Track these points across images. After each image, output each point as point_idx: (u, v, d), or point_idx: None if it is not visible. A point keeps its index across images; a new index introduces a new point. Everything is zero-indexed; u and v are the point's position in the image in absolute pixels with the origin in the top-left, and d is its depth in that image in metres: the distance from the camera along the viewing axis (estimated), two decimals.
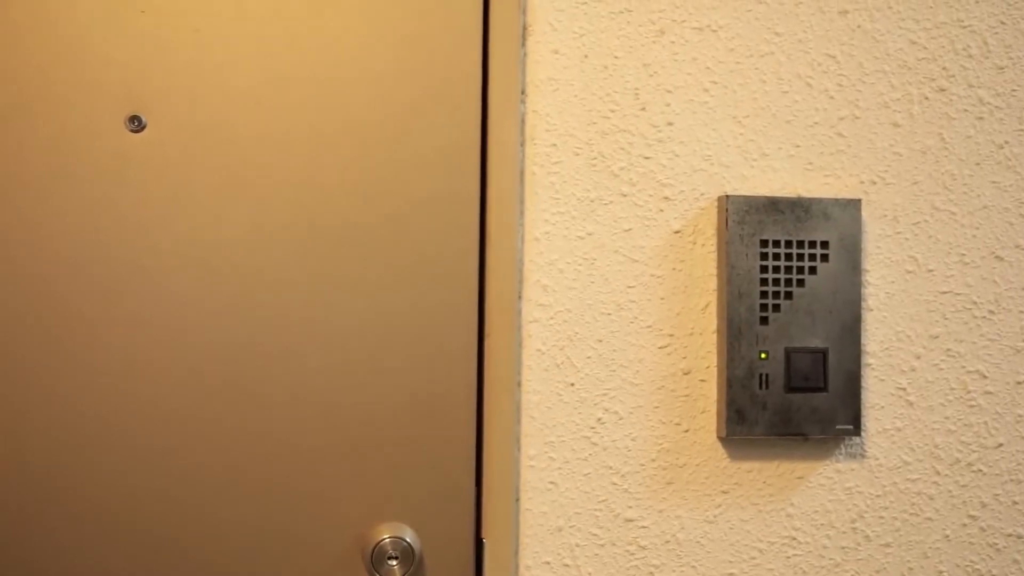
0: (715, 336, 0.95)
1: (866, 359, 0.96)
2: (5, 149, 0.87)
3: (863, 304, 0.96)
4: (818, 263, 0.94)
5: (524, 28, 0.93)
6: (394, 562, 0.90)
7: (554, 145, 0.93)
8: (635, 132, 0.94)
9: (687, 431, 0.94)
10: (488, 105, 0.92)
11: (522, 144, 0.93)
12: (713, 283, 0.95)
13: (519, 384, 0.92)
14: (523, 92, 0.93)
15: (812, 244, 0.94)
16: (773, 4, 0.96)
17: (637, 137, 0.94)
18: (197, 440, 0.89)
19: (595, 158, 0.93)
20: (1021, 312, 0.98)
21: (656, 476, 0.93)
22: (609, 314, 0.94)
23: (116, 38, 0.88)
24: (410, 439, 0.91)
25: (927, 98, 0.98)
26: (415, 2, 0.92)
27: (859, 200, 0.95)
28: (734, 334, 0.93)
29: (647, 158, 0.94)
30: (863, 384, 0.96)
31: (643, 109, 0.94)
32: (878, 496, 0.96)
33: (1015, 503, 0.98)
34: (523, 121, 0.93)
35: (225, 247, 0.89)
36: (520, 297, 0.92)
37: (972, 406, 0.97)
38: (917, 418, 0.97)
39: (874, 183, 0.97)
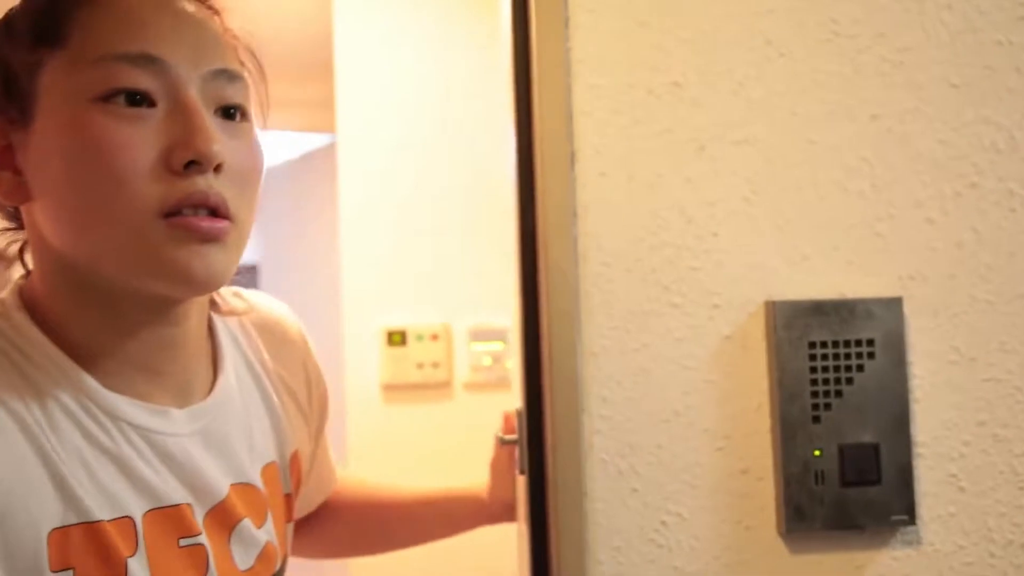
0: (769, 435, 0.99)
1: (916, 449, 1.00)
2: None
3: (910, 396, 1.00)
4: (865, 360, 0.98)
5: (572, 154, 0.98)
6: None
7: (606, 264, 0.98)
8: (682, 245, 0.99)
9: (748, 528, 0.98)
10: (542, 228, 0.97)
11: (575, 265, 0.97)
12: (764, 384, 0.99)
13: (585, 493, 0.96)
14: (574, 215, 0.98)
15: (858, 343, 0.98)
16: (805, 115, 1.00)
17: (684, 249, 0.99)
18: None
19: (645, 273, 0.98)
20: None
21: (720, 573, 0.97)
22: (667, 420, 0.98)
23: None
24: None
25: (959, 194, 1.02)
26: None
27: (900, 298, 0.99)
28: (788, 434, 0.97)
29: (695, 269, 0.99)
30: (915, 473, 0.99)
31: (689, 223, 0.99)
32: None
33: None
34: (575, 243, 0.97)
35: None
36: (582, 410, 0.97)
37: (1022, 488, 1.01)
38: (969, 503, 1.00)
39: (913, 278, 1.01)
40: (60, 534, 0.74)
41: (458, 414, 2.27)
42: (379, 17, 2.34)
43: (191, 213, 0.76)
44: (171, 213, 0.76)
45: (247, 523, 0.88)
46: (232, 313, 0.97)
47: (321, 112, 3.46)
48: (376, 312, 2.25)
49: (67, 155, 0.75)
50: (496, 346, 2.26)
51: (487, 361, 2.26)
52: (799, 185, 1.00)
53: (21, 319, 0.79)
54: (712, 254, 0.99)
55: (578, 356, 0.97)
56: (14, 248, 0.88)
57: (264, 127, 0.87)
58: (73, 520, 0.75)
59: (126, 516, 0.78)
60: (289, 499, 0.98)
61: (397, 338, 2.23)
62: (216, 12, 0.85)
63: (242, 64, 0.86)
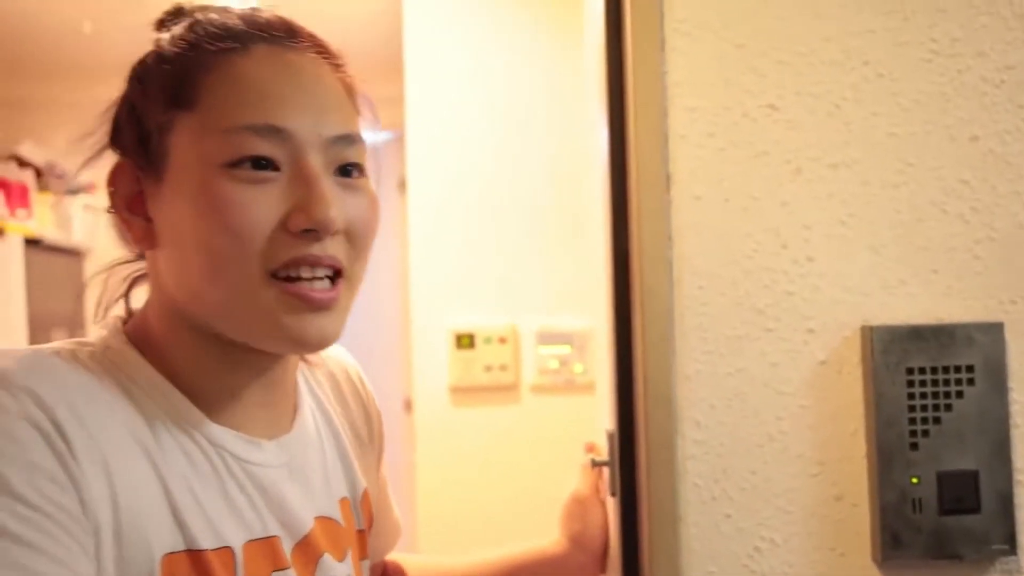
0: (865, 461, 0.98)
1: (1017, 476, 0.98)
2: None
3: (1011, 422, 0.98)
4: (964, 387, 0.97)
5: (667, 177, 0.97)
6: None
7: (700, 287, 0.97)
8: (777, 269, 0.98)
9: (842, 555, 0.97)
10: (636, 251, 0.97)
11: (670, 288, 0.97)
12: (860, 409, 0.98)
13: (679, 518, 0.96)
14: (669, 238, 0.97)
15: (958, 369, 0.97)
16: (904, 136, 0.99)
17: (779, 273, 0.98)
18: None
19: (740, 297, 0.98)
20: None
21: None
22: (761, 446, 0.97)
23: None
24: None
25: None
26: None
27: (1001, 323, 0.97)
28: (885, 461, 0.96)
29: (790, 293, 0.98)
30: (1015, 501, 0.98)
31: (784, 246, 0.98)
32: None
33: None
34: (670, 266, 0.97)
35: None
36: (676, 434, 0.97)
37: None
38: None
39: (1014, 302, 0.99)
40: (170, 560, 0.76)
41: (525, 417, 2.27)
42: (450, 14, 2.34)
43: (308, 274, 0.79)
44: (285, 274, 0.79)
45: (328, 557, 0.88)
46: (316, 363, 0.99)
47: (384, 109, 3.48)
48: (444, 314, 2.26)
49: (194, 215, 0.79)
50: (563, 349, 2.26)
51: (554, 364, 2.26)
52: (896, 208, 0.99)
53: (130, 352, 0.82)
54: (808, 278, 0.98)
55: (672, 379, 0.97)
56: (121, 286, 0.90)
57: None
58: (181, 547, 0.77)
59: (227, 546, 0.79)
60: (362, 535, 0.98)
61: (466, 341, 2.24)
62: (337, 66, 0.86)
63: (358, 112, 0.88)
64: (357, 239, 0.83)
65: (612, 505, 1.06)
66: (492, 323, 2.26)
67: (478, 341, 2.25)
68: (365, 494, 0.99)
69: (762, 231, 0.98)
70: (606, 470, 1.08)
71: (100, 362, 0.79)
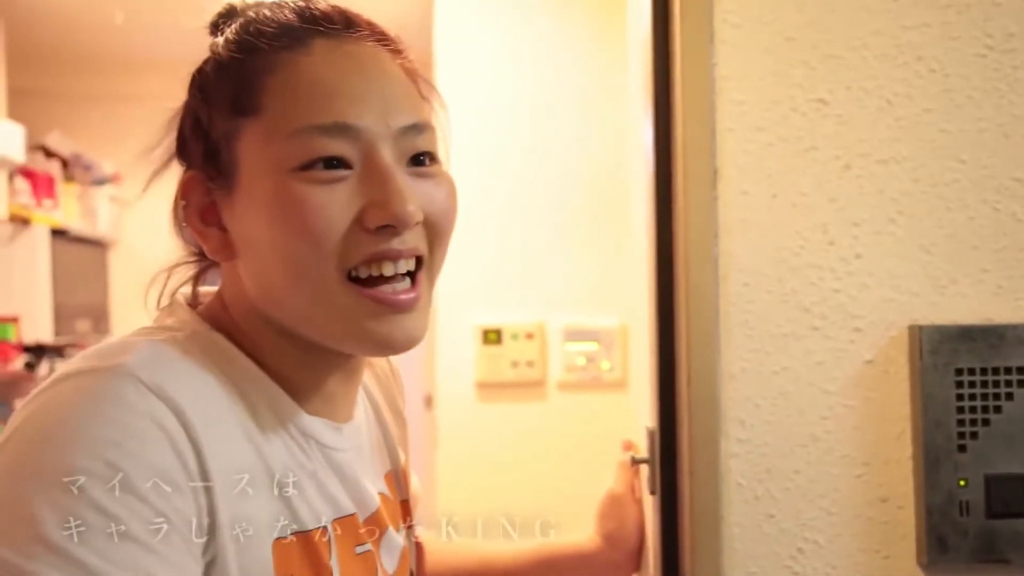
0: (911, 463, 0.96)
1: None
2: None
3: None
4: (1015, 389, 0.95)
5: (714, 172, 0.96)
6: None
7: (746, 284, 0.96)
8: (824, 266, 0.96)
9: (887, 558, 0.96)
10: (681, 247, 0.96)
11: (715, 284, 0.96)
12: (905, 410, 0.96)
13: (721, 517, 0.95)
14: (715, 234, 0.96)
15: (1008, 370, 0.95)
16: (956, 133, 0.97)
17: (826, 271, 0.96)
18: None
19: (786, 294, 0.96)
20: None
21: None
22: (805, 446, 0.96)
23: None
24: None
25: None
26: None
27: None
28: (931, 463, 0.94)
29: (837, 291, 0.96)
30: None
31: (831, 243, 0.96)
32: None
33: None
34: (715, 262, 0.96)
35: None
36: (719, 433, 0.95)
37: None
38: None
39: None
40: (281, 545, 0.76)
41: (551, 414, 2.26)
42: (481, 9, 2.33)
43: (391, 271, 0.78)
44: (367, 273, 0.77)
45: (390, 529, 0.91)
46: None
47: None
48: (471, 310, 2.25)
49: (269, 222, 0.77)
50: (590, 346, 2.24)
51: (581, 361, 2.24)
52: (947, 206, 0.97)
53: (221, 340, 0.80)
54: (855, 276, 0.96)
55: (717, 378, 0.95)
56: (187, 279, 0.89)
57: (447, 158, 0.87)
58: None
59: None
60: (406, 504, 1.00)
61: (493, 336, 2.23)
62: (397, 52, 0.84)
63: (425, 99, 0.85)
64: (437, 229, 0.82)
65: (651, 503, 1.05)
66: (519, 319, 2.25)
67: (505, 337, 2.24)
68: (404, 465, 1.01)
69: (810, 228, 0.96)
70: (644, 468, 1.07)
71: (200, 348, 0.78)
